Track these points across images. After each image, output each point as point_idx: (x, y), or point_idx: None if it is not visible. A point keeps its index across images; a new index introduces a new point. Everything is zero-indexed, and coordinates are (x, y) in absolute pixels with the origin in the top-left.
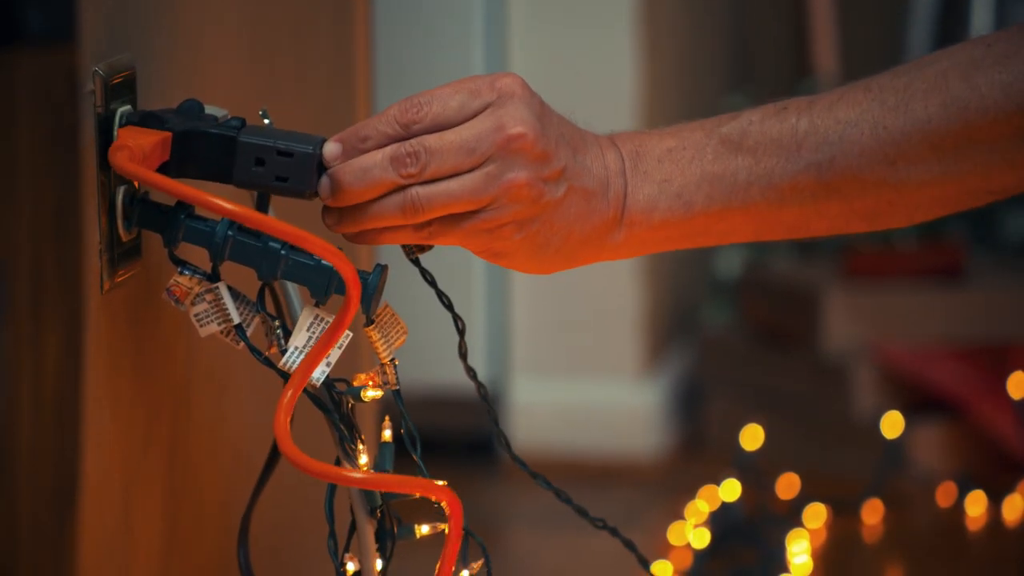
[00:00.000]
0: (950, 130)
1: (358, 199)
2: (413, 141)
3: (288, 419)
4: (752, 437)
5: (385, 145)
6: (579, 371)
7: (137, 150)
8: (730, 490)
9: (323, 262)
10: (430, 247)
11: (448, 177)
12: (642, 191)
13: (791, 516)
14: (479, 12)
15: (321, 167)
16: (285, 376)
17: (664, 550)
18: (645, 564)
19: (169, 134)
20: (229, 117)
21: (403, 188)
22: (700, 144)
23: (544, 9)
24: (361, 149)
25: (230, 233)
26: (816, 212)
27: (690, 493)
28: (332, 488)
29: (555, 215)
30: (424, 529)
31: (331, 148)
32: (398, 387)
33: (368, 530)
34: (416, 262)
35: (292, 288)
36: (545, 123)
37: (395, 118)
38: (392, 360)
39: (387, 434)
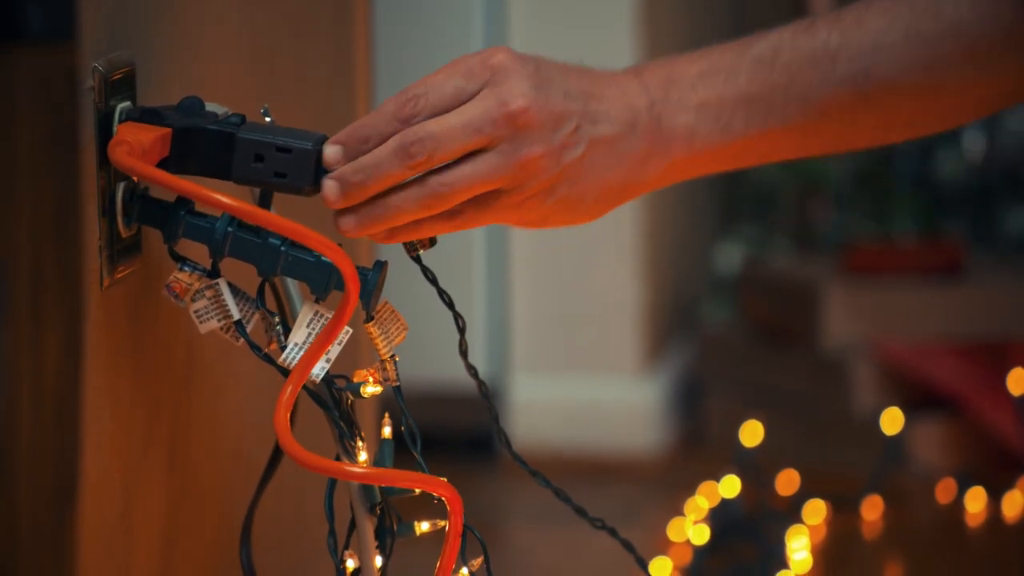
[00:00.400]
0: (983, 30)
1: (368, 195)
2: (415, 128)
3: (288, 415)
4: (752, 433)
5: None
6: (579, 368)
7: (136, 145)
8: (730, 486)
9: (323, 258)
10: (432, 244)
11: (460, 161)
12: (679, 119)
13: (791, 512)
14: (479, 12)
15: (320, 166)
16: (285, 372)
17: (664, 546)
18: (643, 565)
19: (169, 130)
20: (229, 114)
21: (420, 180)
22: (733, 66)
23: (544, 9)
24: (363, 152)
25: (230, 229)
26: (855, 124)
27: (690, 489)
28: (332, 485)
29: (581, 173)
30: (424, 526)
31: (332, 152)
32: (398, 383)
33: (368, 527)
34: (417, 260)
35: (292, 284)
36: (547, 89)
37: (393, 116)
38: (392, 356)
39: (387, 431)
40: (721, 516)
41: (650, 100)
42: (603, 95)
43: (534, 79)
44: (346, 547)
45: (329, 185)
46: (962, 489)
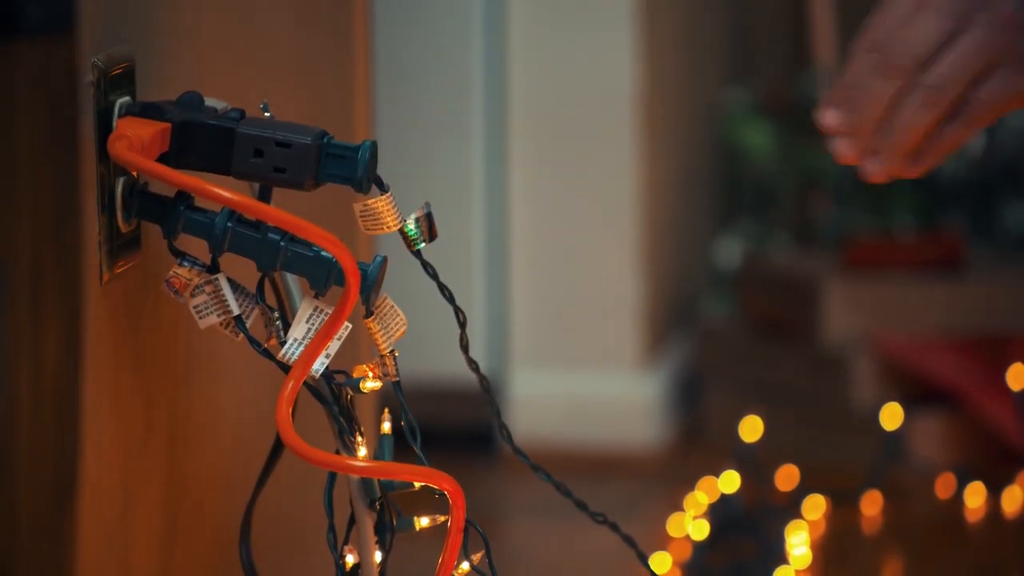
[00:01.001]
0: None
1: (873, 124)
2: (884, 42)
3: (290, 410)
4: (751, 429)
5: None
6: (578, 363)
7: (136, 140)
8: (729, 482)
9: (323, 253)
10: (433, 238)
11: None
12: None
13: (790, 508)
14: (479, 12)
15: (319, 159)
16: (284, 368)
17: (663, 542)
18: (644, 560)
19: (168, 125)
20: (229, 109)
21: (912, 87)
22: None
23: (544, 9)
24: (853, 97)
25: (229, 224)
26: None
27: (689, 485)
28: (331, 480)
29: None
30: (424, 521)
31: (831, 115)
32: (398, 378)
33: (367, 522)
34: (418, 254)
35: (292, 280)
36: None
37: (863, 51)
38: (392, 351)
39: (386, 427)
40: (721, 511)
41: None
42: None
43: None
44: (346, 542)
45: (841, 144)
46: (962, 484)
